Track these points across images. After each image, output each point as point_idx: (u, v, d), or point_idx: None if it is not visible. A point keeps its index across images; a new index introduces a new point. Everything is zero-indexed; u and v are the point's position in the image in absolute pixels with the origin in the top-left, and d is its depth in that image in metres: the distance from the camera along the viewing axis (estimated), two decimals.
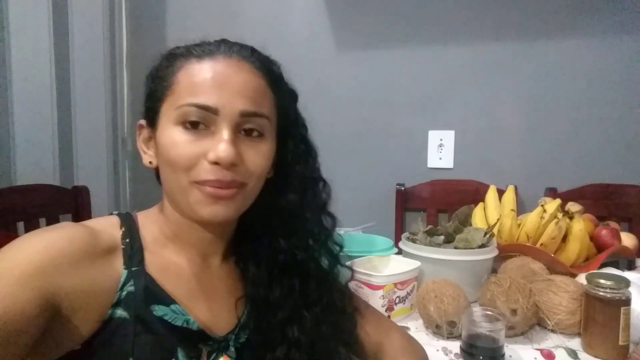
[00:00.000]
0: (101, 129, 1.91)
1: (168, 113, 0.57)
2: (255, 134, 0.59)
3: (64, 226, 0.54)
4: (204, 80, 0.56)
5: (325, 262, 0.69)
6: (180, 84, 0.57)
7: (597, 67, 1.62)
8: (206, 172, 0.55)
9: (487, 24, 1.71)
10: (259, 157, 0.59)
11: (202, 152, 0.55)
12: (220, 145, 0.54)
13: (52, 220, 1.41)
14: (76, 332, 0.51)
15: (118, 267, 0.56)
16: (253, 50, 0.61)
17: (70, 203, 1.49)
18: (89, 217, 1.52)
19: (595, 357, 0.80)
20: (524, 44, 1.68)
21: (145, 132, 0.63)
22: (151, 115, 0.61)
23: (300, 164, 0.67)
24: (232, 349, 0.62)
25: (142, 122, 0.63)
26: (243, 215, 0.65)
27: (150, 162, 0.63)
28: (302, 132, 0.69)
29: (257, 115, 0.58)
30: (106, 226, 0.58)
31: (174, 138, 0.56)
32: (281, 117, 0.64)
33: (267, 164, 0.61)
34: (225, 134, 0.55)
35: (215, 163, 0.55)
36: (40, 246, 0.49)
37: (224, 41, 0.61)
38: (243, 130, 0.58)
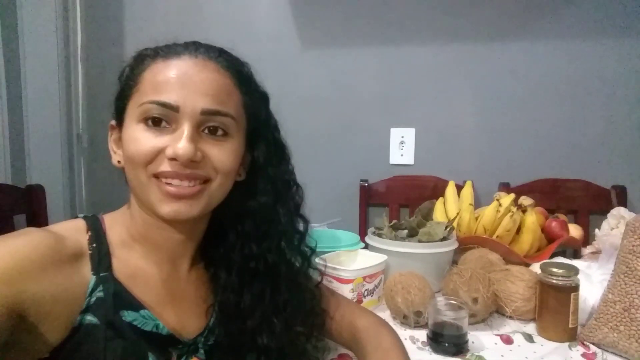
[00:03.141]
0: (55, 124, 1.83)
1: (132, 111, 0.58)
2: (219, 132, 0.58)
3: (28, 232, 0.53)
4: (167, 78, 0.56)
5: (296, 264, 0.69)
6: (145, 83, 0.57)
7: (546, 69, 1.72)
8: (164, 165, 0.55)
9: (445, 27, 1.78)
10: (223, 154, 0.59)
11: (161, 147, 0.55)
12: (179, 142, 0.54)
13: (5, 222, 1.34)
14: (44, 339, 0.50)
15: (86, 272, 0.55)
16: (221, 52, 0.62)
17: (25, 203, 1.42)
18: (45, 218, 1.45)
19: (549, 339, 0.86)
20: (480, 47, 1.76)
21: (115, 133, 0.63)
22: (119, 115, 0.61)
23: (273, 166, 0.67)
24: (202, 351, 0.63)
25: (113, 122, 0.63)
26: (213, 217, 0.66)
27: (118, 162, 0.62)
28: (275, 134, 0.69)
29: (221, 114, 0.58)
30: (71, 231, 0.57)
31: (136, 134, 0.56)
32: (251, 119, 0.64)
33: (234, 162, 0.61)
34: (185, 131, 0.55)
35: (173, 159, 0.55)
36: (4, 253, 0.48)
37: (193, 42, 0.61)
38: (207, 129, 0.58)
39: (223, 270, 0.66)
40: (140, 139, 0.56)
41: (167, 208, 0.56)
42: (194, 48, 0.59)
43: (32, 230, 0.53)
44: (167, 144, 0.55)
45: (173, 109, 0.55)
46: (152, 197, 0.56)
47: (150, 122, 0.56)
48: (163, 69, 0.57)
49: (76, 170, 1.93)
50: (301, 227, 0.70)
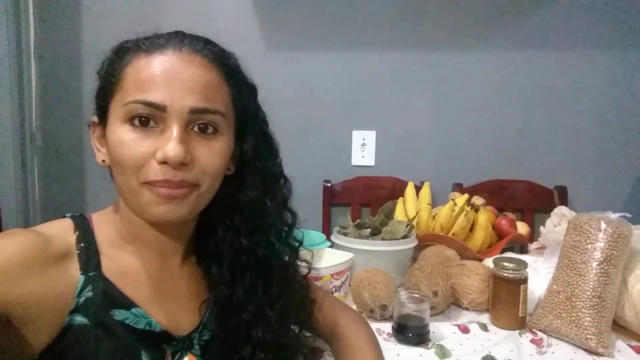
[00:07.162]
0: (7, 122, 1.74)
1: (116, 110, 0.56)
2: (209, 130, 0.57)
3: (13, 233, 0.52)
4: (151, 75, 0.54)
5: (285, 257, 0.70)
6: (128, 80, 0.55)
7: (496, 78, 1.85)
8: (155, 172, 0.54)
9: (406, 35, 1.86)
10: (212, 155, 0.57)
11: (150, 152, 0.54)
12: (169, 144, 0.53)
13: None
14: (32, 341, 0.50)
15: (74, 272, 0.54)
16: (206, 43, 0.60)
17: None
18: None
19: (501, 328, 0.94)
20: (436, 55, 1.86)
21: (98, 130, 0.61)
22: (101, 113, 0.59)
23: (261, 159, 0.66)
24: (197, 347, 0.63)
25: (95, 119, 0.61)
26: (203, 213, 0.65)
27: (103, 161, 0.60)
28: (263, 127, 0.68)
29: (210, 111, 0.56)
30: (58, 231, 0.56)
31: (122, 137, 0.54)
32: (239, 112, 0.62)
33: (223, 162, 0.59)
34: (174, 131, 0.54)
35: (164, 162, 0.53)
36: None
37: (176, 33, 0.59)
38: (197, 127, 0.56)
39: (214, 264, 0.65)
40: (127, 142, 0.54)
41: (158, 210, 0.55)
42: (179, 40, 0.57)
43: (17, 231, 0.53)
44: (156, 147, 0.54)
45: (159, 108, 0.53)
46: (143, 201, 0.55)
47: (136, 122, 0.54)
48: (147, 65, 0.55)
49: (29, 170, 1.85)
50: (289, 220, 0.70)
